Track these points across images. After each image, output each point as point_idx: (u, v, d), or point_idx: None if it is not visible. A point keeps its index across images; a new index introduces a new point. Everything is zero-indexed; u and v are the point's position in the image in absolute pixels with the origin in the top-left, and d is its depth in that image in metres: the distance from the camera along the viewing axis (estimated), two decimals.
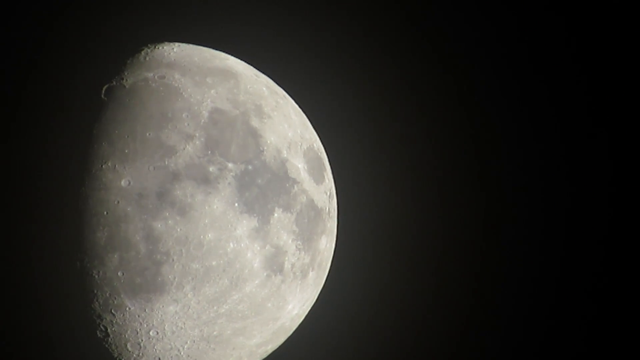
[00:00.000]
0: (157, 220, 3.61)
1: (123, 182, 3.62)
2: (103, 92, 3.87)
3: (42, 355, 3.97)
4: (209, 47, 4.47)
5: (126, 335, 3.80)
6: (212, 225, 3.70)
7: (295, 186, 4.07)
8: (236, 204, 3.77)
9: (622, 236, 6.21)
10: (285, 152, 4.08)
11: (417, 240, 6.39)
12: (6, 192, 3.75)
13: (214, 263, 3.73)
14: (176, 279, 3.67)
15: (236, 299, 3.86)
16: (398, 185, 6.43)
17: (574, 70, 6.33)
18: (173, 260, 3.65)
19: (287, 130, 4.20)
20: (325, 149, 4.73)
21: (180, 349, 3.90)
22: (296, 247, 4.07)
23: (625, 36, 6.11)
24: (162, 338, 3.83)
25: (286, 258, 4.02)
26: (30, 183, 3.70)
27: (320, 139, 4.69)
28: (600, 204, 6.31)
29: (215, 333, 3.92)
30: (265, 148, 3.97)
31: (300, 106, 4.67)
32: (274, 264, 3.95)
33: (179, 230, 3.64)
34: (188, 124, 3.78)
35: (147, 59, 4.11)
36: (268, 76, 4.59)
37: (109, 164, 3.64)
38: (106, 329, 3.78)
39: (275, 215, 3.92)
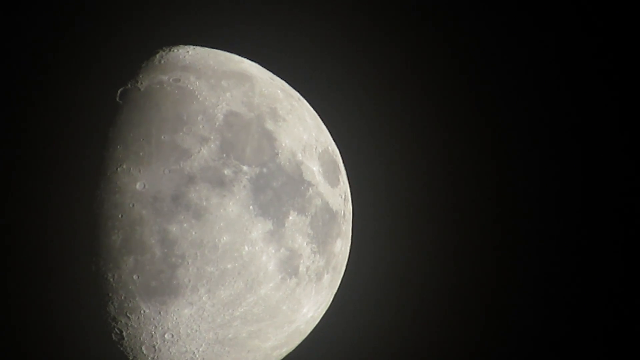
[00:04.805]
0: (172, 224, 3.61)
1: (138, 185, 3.63)
2: (118, 95, 3.88)
3: (57, 358, 3.98)
4: (224, 50, 4.48)
5: (141, 338, 3.81)
6: (227, 228, 3.69)
7: (310, 189, 4.05)
8: (251, 207, 3.76)
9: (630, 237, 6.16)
10: (300, 155, 4.07)
11: (433, 243, 6.36)
12: (21, 195, 3.77)
13: (229, 266, 3.72)
14: (191, 282, 3.67)
15: (251, 301, 3.85)
16: (413, 188, 6.40)
17: (578, 70, 6.29)
18: (188, 263, 3.65)
19: (302, 133, 4.19)
20: (340, 152, 4.71)
21: (195, 351, 3.90)
22: (311, 250, 4.05)
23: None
24: (177, 341, 3.83)
25: (301, 261, 4.01)
26: (45, 186, 3.72)
27: (335, 142, 4.68)
28: (609, 204, 6.25)
29: (230, 336, 3.92)
30: (280, 151, 3.96)
31: (315, 109, 4.66)
32: (289, 266, 3.94)
33: (194, 233, 3.64)
34: (203, 127, 3.78)
35: (162, 62, 4.12)
36: (283, 79, 4.59)
37: (124, 167, 3.65)
38: (121, 332, 3.78)
39: (290, 218, 3.91)
